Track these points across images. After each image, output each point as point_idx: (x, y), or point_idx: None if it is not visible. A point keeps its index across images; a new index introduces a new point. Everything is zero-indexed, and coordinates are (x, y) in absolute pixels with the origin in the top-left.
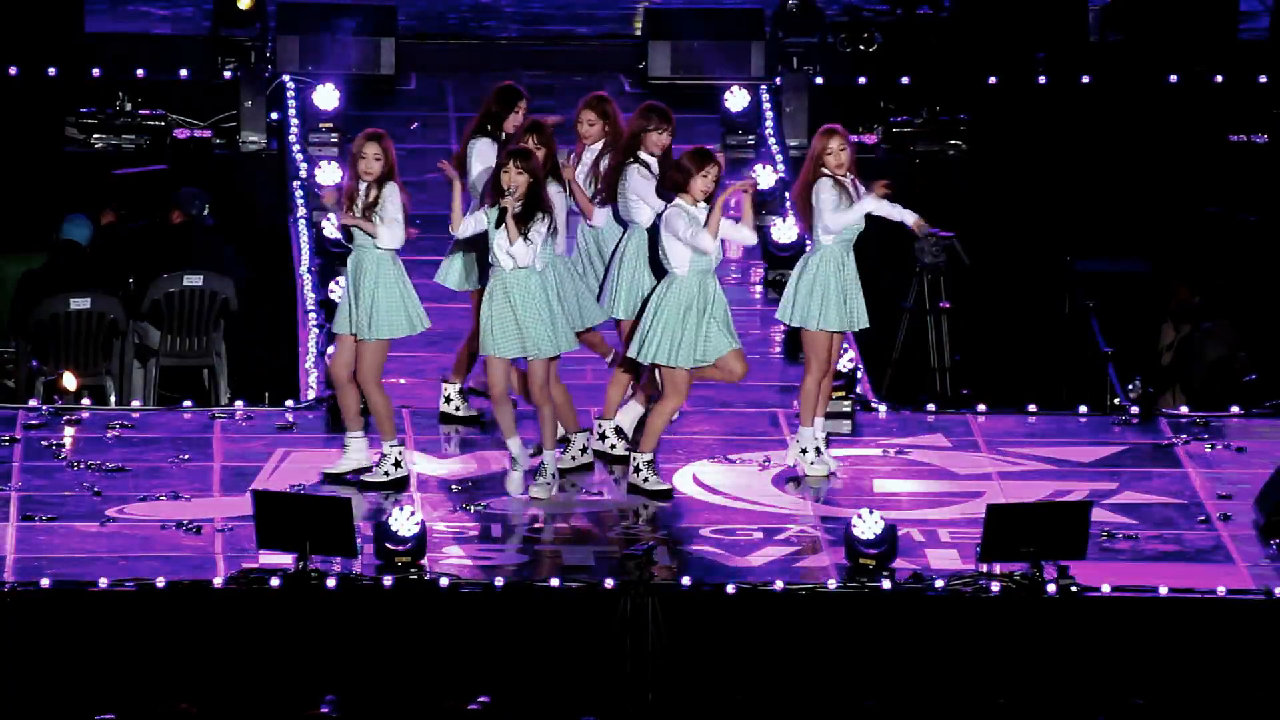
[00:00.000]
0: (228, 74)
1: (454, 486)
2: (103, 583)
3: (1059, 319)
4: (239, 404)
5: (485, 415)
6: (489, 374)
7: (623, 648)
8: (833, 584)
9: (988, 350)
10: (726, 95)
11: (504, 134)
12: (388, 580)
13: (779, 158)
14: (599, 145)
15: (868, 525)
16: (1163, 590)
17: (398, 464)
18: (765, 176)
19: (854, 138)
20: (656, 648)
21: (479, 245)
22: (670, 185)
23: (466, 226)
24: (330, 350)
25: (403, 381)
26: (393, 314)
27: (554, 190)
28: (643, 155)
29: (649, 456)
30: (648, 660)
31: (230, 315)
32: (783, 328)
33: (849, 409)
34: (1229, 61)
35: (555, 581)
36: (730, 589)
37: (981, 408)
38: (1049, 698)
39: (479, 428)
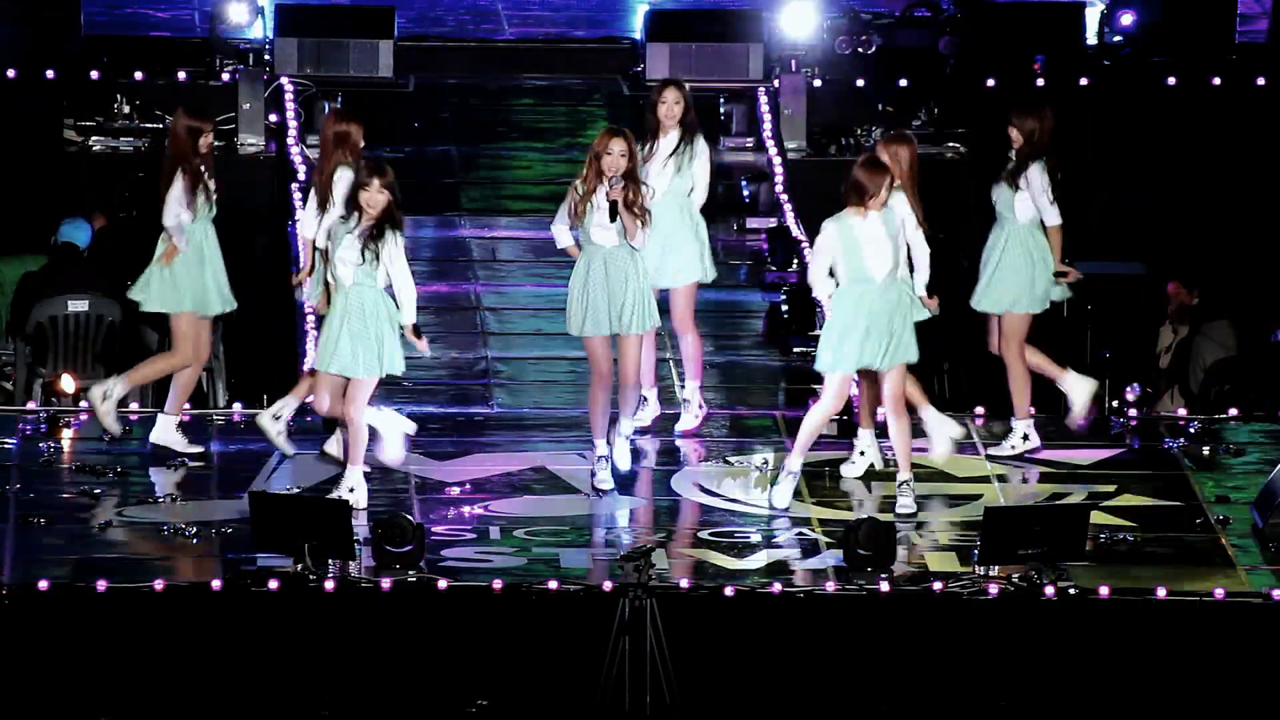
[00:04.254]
0: (226, 76)
1: (452, 488)
2: (100, 585)
3: (1057, 320)
4: (237, 406)
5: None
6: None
7: (621, 650)
8: (831, 587)
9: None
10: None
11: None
12: (386, 583)
13: (777, 161)
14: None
15: None
16: (1161, 593)
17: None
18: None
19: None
20: (654, 650)
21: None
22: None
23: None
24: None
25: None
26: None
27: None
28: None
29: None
30: (646, 662)
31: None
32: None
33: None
34: (1227, 64)
35: (553, 584)
36: (728, 591)
37: (980, 410)
38: (1048, 700)
39: (480, 431)
